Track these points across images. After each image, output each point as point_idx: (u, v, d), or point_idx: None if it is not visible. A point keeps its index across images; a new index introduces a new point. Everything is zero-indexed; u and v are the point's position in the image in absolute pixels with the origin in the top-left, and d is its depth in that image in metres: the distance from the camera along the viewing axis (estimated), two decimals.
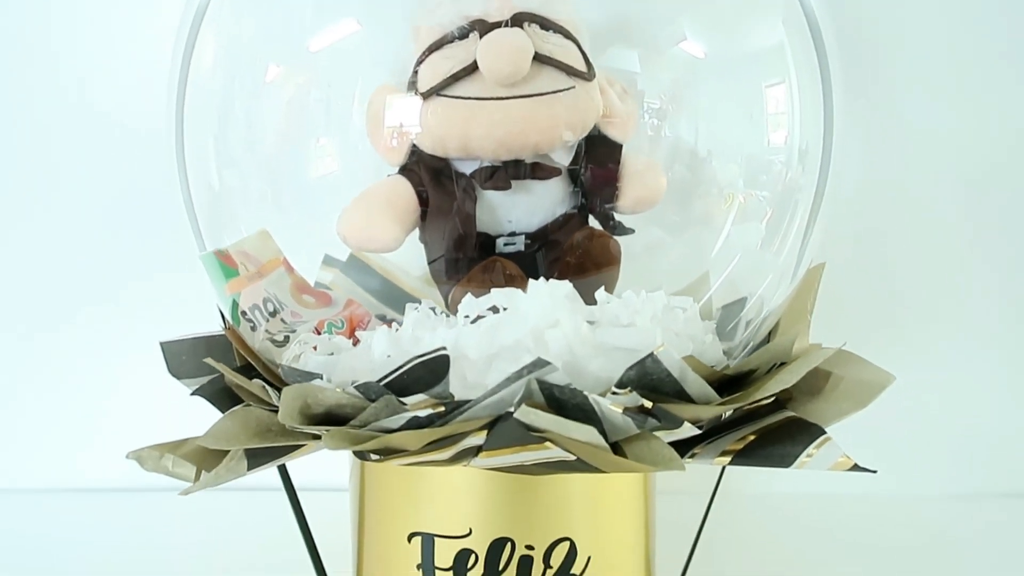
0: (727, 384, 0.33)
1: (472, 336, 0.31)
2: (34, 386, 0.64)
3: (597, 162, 0.40)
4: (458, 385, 0.30)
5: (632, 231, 0.41)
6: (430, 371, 0.28)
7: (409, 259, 0.46)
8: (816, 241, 0.41)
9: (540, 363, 0.27)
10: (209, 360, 0.33)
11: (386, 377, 0.28)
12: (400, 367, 0.28)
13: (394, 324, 0.36)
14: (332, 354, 0.35)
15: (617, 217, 0.41)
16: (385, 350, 0.32)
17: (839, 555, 0.53)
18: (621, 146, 0.41)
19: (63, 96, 0.61)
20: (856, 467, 0.29)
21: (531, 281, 0.33)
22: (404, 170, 0.40)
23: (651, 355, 0.27)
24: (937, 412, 0.61)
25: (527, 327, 0.30)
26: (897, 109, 0.58)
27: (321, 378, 0.31)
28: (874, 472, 0.29)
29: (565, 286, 0.32)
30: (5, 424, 0.64)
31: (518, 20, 0.37)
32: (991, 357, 0.62)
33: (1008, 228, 0.61)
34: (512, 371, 0.28)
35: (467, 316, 0.32)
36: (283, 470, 0.40)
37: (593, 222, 0.41)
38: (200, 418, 0.36)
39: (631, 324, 0.31)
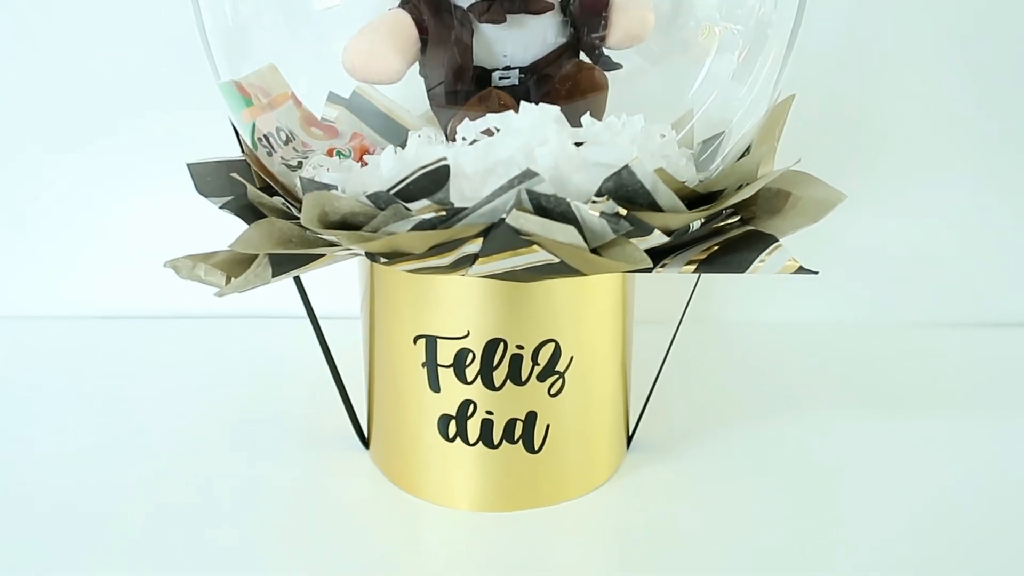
0: (697, 201, 0.37)
1: (469, 154, 0.34)
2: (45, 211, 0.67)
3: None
4: (457, 198, 0.34)
5: (620, 66, 0.43)
6: (432, 180, 0.32)
7: (410, 96, 0.49)
8: (789, 75, 0.43)
9: (529, 174, 0.31)
10: (235, 175, 0.36)
11: (394, 187, 0.32)
12: (406, 177, 0.32)
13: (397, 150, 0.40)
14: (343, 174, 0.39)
15: (606, 52, 0.44)
16: (392, 167, 0.35)
17: (804, 380, 0.58)
18: None
19: None
20: (801, 269, 0.34)
21: (523, 104, 0.36)
22: (405, 3, 0.42)
23: (626, 167, 0.31)
24: (909, 242, 0.66)
25: (518, 144, 0.33)
26: None
27: (336, 189, 0.35)
28: (816, 273, 0.33)
29: (554, 109, 0.35)
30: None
31: None
32: (960, 188, 0.66)
33: (973, 55, 0.62)
34: (504, 180, 0.32)
35: (464, 138, 0.36)
36: (301, 287, 0.45)
37: (584, 58, 0.44)
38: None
39: (612, 142, 0.35)
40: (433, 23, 0.42)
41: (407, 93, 0.49)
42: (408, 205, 0.32)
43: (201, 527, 0.41)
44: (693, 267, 0.36)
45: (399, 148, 0.39)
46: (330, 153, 0.44)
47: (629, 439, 0.49)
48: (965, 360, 0.62)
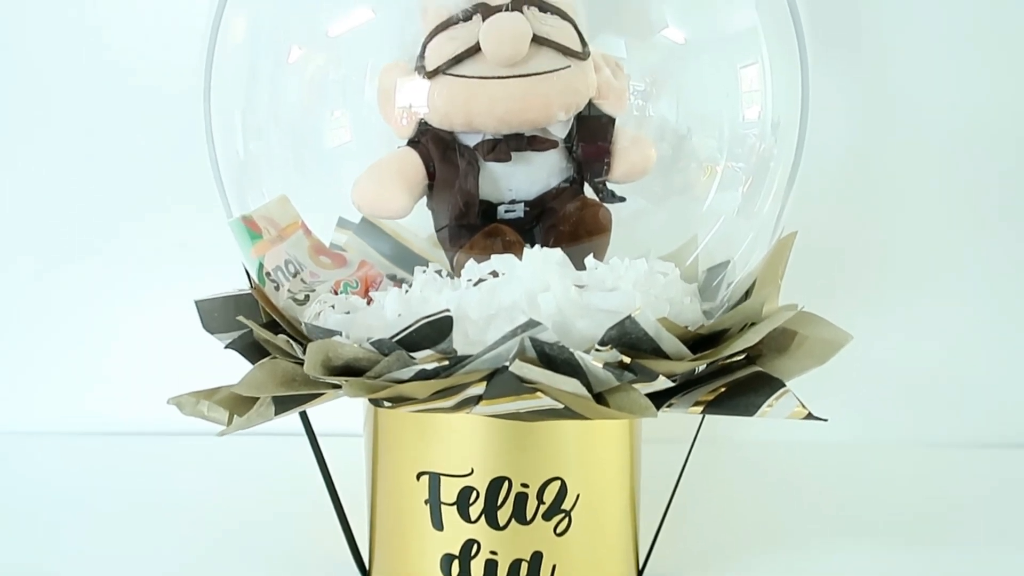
0: (702, 342, 0.37)
1: (473, 298, 0.34)
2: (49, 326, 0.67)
3: (591, 135, 0.44)
4: (461, 342, 0.34)
5: (623, 199, 0.44)
6: (436, 329, 0.32)
7: (417, 222, 0.50)
8: (792, 207, 0.44)
9: (532, 323, 0.31)
10: (241, 318, 0.37)
11: (397, 334, 0.32)
12: (409, 326, 0.32)
13: (404, 285, 0.40)
14: (348, 313, 0.39)
15: (609, 186, 0.45)
16: (396, 309, 0.36)
17: (813, 499, 0.57)
18: (614, 120, 0.44)
19: (94, 55, 0.64)
20: (810, 416, 0.33)
21: (526, 249, 0.36)
22: (413, 142, 0.44)
23: (629, 317, 0.31)
24: (905, 363, 0.65)
25: (522, 290, 0.33)
26: (876, 78, 0.60)
27: (340, 335, 0.35)
28: (825, 420, 0.33)
29: (557, 253, 0.36)
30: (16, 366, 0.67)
31: (518, 3, 0.40)
32: (954, 310, 0.65)
33: (974, 188, 0.63)
34: (508, 330, 0.32)
35: (469, 280, 0.36)
36: (304, 417, 0.44)
37: (587, 191, 0.45)
38: (207, 365, 0.40)
39: (615, 288, 0.35)
40: (440, 162, 0.43)
41: (415, 216, 0.50)
42: (412, 354, 0.32)
43: None
44: (700, 408, 0.36)
45: (406, 285, 0.40)
46: (336, 286, 0.44)
47: (640, 574, 0.47)
48: (986, 482, 0.60)
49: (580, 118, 0.43)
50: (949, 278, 0.65)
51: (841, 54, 0.58)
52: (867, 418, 0.66)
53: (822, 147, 0.46)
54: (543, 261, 0.35)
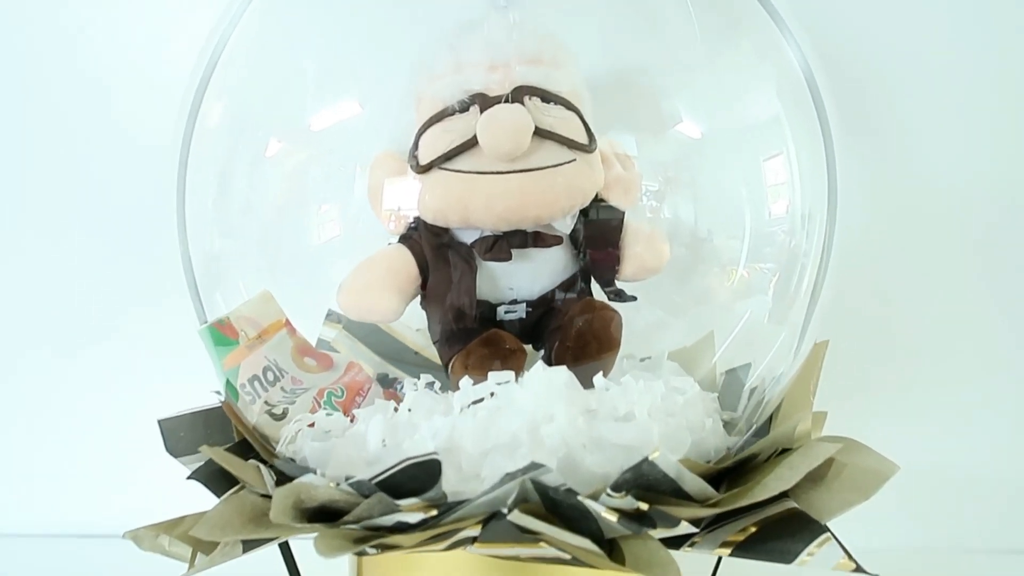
0: (728, 471, 0.32)
1: (468, 426, 0.30)
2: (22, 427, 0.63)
3: (599, 230, 0.40)
4: (453, 476, 0.30)
5: (634, 299, 0.40)
6: (423, 471, 0.27)
7: (411, 313, 0.46)
8: (823, 306, 0.40)
9: (534, 466, 0.27)
10: (204, 448, 0.32)
11: (379, 475, 0.28)
12: (393, 466, 0.28)
13: (392, 404, 0.36)
14: (328, 432, 0.35)
15: (619, 284, 0.41)
16: (380, 436, 0.31)
17: None
18: (623, 213, 0.40)
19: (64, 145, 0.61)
20: (859, 569, 0.28)
21: (529, 372, 0.32)
22: (404, 238, 0.40)
23: (646, 460, 0.27)
24: (941, 467, 0.60)
25: (522, 420, 0.29)
26: (902, 161, 0.57)
27: (315, 472, 0.30)
28: None
29: (562, 374, 0.32)
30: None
31: (519, 94, 0.37)
32: (997, 412, 0.60)
33: (1014, 278, 0.59)
34: (507, 465, 0.28)
35: (463, 408, 0.32)
36: (285, 548, 0.40)
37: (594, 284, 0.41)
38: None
39: (629, 414, 0.31)
40: (434, 260, 0.39)
41: (409, 310, 0.46)
42: (396, 500, 0.28)
43: None
44: (728, 550, 0.31)
45: (397, 395, 0.35)
46: (320, 396, 0.40)
47: None
48: None
49: (586, 212, 0.40)
50: (983, 377, 0.60)
51: (861, 140, 0.54)
52: (909, 523, 0.61)
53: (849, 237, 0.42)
54: (547, 385, 0.30)
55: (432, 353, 0.46)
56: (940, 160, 0.56)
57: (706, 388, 0.39)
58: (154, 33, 0.57)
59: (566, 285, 0.41)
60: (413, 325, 0.49)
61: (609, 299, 0.40)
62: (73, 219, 0.60)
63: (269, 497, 0.31)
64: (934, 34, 0.55)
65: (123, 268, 0.59)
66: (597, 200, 0.40)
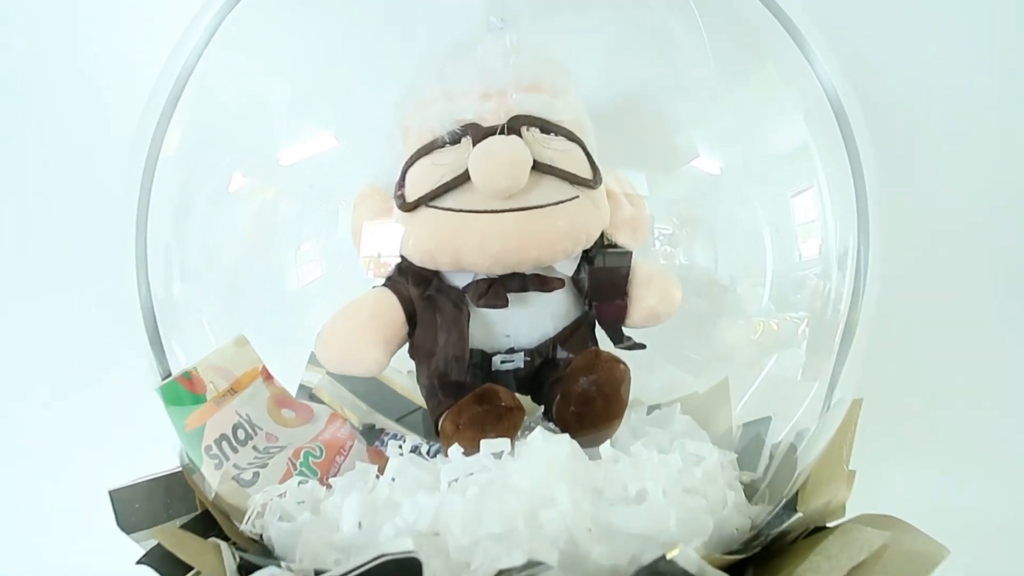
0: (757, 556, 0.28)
1: (456, 508, 0.26)
2: None
3: (605, 274, 0.36)
4: (439, 567, 0.26)
5: (643, 347, 0.37)
6: (401, 569, 0.23)
7: (401, 355, 0.42)
8: (855, 357, 0.36)
9: (532, 564, 0.23)
10: (155, 531, 0.28)
11: (351, 571, 0.24)
12: (366, 563, 0.24)
13: (372, 472, 0.32)
14: (302, 502, 0.31)
15: (626, 331, 0.37)
16: (356, 518, 0.27)
17: None
18: (631, 253, 0.37)
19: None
20: None
21: (525, 441, 0.28)
22: (390, 281, 0.36)
23: (663, 558, 0.23)
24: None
25: (518, 504, 0.25)
26: (927, 195, 0.52)
27: (280, 566, 0.26)
28: None
29: (564, 446, 0.28)
30: None
31: (516, 124, 0.33)
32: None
33: None
34: (502, 558, 0.24)
35: (452, 482, 0.28)
36: None
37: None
38: None
39: (641, 493, 0.27)
40: (423, 305, 0.36)
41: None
42: None
43: None
44: None
45: (377, 474, 0.31)
46: (296, 456, 0.36)
47: None
48: None
49: (591, 254, 0.36)
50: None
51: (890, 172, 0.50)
52: None
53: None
54: (547, 462, 0.27)
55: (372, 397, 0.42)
56: (967, 193, 0.52)
57: (722, 445, 0.35)
58: (107, 70, 0.52)
59: (568, 332, 0.37)
60: (403, 368, 0.45)
61: (616, 345, 0.36)
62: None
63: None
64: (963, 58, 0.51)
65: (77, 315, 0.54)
66: (602, 240, 0.36)
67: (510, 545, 0.24)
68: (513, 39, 0.35)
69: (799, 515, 0.28)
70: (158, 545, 0.30)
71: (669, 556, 0.22)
